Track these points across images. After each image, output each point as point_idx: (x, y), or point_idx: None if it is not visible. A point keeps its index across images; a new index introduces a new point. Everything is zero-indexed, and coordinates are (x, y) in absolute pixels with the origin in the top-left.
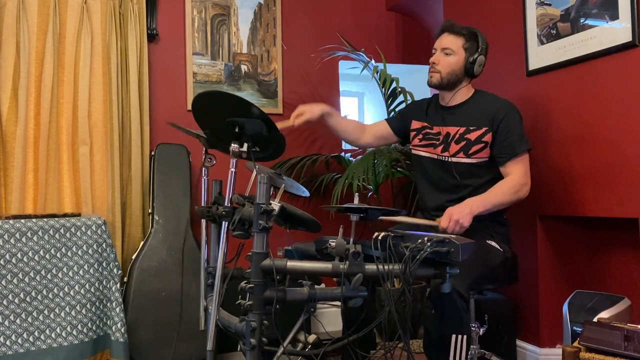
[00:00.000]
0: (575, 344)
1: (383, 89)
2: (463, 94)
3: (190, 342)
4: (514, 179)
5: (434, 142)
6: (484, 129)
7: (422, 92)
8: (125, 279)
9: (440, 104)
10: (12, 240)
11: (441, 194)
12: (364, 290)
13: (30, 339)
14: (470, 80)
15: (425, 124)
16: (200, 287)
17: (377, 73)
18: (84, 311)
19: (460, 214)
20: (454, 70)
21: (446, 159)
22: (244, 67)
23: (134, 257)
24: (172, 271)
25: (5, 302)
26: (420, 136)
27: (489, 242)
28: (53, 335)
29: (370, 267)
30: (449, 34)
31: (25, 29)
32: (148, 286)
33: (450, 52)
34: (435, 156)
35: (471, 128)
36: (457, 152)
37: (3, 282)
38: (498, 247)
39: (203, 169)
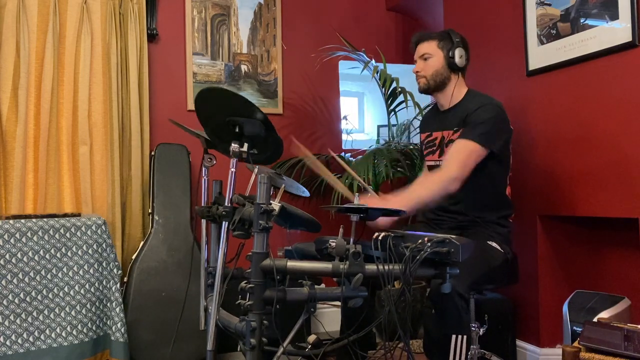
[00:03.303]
0: (575, 344)
1: (383, 89)
2: (457, 94)
3: (190, 342)
4: (444, 173)
5: (432, 148)
6: (461, 130)
7: None
8: (125, 279)
9: (439, 109)
10: (12, 240)
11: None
12: (364, 290)
13: (30, 339)
14: (459, 76)
15: (427, 133)
16: (200, 287)
17: (377, 73)
18: (84, 311)
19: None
20: (437, 70)
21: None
22: (244, 67)
23: (134, 257)
24: (172, 271)
25: (5, 302)
26: (424, 146)
27: (489, 242)
28: (53, 335)
29: (371, 267)
30: (422, 42)
31: (25, 29)
32: (148, 286)
33: (428, 56)
34: (433, 162)
35: (455, 129)
36: None
37: (3, 282)
38: (499, 247)
39: (203, 169)
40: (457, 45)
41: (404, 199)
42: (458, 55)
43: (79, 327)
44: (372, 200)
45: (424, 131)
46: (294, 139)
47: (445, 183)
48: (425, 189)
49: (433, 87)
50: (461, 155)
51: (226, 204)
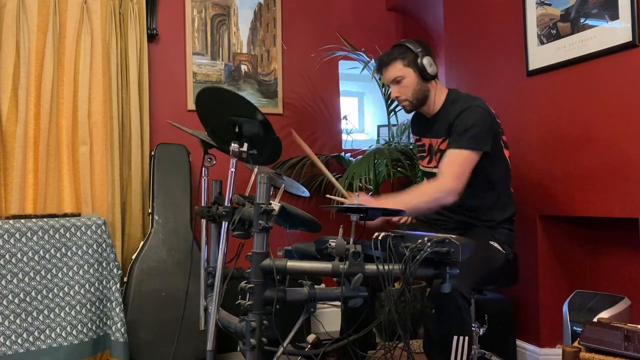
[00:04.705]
0: (575, 344)
1: (383, 89)
2: (438, 100)
3: (190, 342)
4: (441, 184)
5: (422, 154)
6: (449, 138)
7: None
8: (125, 279)
9: (425, 116)
10: (12, 240)
11: None
12: (364, 290)
13: (30, 339)
14: (436, 82)
15: (417, 137)
16: (200, 287)
17: (377, 73)
18: (84, 311)
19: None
20: (415, 88)
21: (432, 170)
22: (244, 67)
23: (134, 257)
24: (172, 271)
25: (5, 302)
26: (417, 149)
27: (491, 243)
28: (53, 335)
29: (370, 267)
30: (387, 67)
31: (25, 29)
32: (148, 286)
33: (400, 78)
34: (427, 169)
35: (442, 138)
36: (438, 164)
37: (3, 282)
38: (500, 248)
39: (203, 169)
40: (421, 55)
41: (398, 203)
42: (428, 64)
43: (79, 327)
44: (365, 199)
45: (415, 133)
46: (293, 133)
47: (441, 195)
48: (420, 197)
49: (418, 105)
50: (455, 166)
51: (226, 204)
